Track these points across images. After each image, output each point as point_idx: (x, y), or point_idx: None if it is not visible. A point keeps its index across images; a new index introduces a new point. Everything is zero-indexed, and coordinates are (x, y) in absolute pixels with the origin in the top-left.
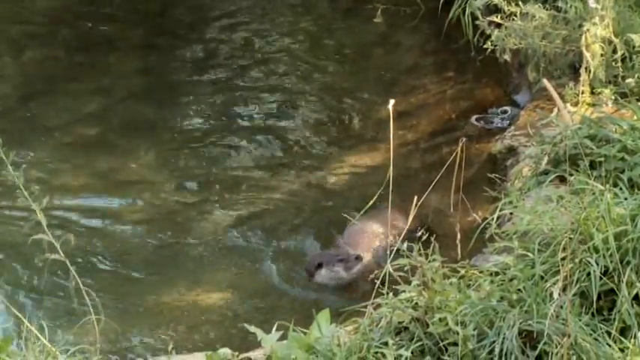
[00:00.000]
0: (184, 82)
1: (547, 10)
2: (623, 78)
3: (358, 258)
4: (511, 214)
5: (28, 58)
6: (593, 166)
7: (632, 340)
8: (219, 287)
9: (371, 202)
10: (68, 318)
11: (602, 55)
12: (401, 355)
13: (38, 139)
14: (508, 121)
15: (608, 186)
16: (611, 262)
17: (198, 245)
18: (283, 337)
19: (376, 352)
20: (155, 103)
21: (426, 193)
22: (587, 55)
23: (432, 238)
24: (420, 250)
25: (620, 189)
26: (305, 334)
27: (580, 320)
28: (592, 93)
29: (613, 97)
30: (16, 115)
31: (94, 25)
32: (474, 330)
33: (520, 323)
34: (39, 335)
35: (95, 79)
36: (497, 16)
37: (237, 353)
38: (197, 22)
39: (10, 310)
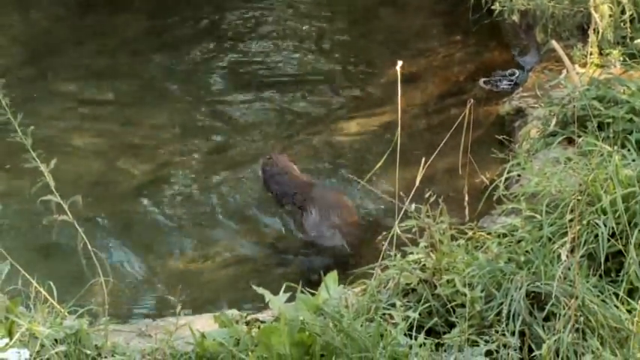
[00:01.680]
0: (192, 41)
1: None
2: (632, 39)
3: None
4: (519, 175)
5: (35, 19)
6: (601, 127)
7: None
8: (227, 250)
9: (378, 164)
10: (76, 279)
11: (610, 16)
12: (409, 317)
13: (46, 100)
14: (516, 83)
15: (616, 147)
16: (619, 223)
17: (207, 208)
18: (291, 299)
19: (384, 314)
20: (163, 63)
21: (434, 155)
22: (595, 16)
23: (440, 200)
24: (427, 211)
25: (629, 150)
26: (313, 295)
27: (588, 282)
28: (600, 54)
29: (621, 59)
30: (24, 75)
31: (101, 16)
32: (482, 292)
33: (528, 285)
34: (47, 296)
35: (102, 40)
36: None
37: (245, 314)
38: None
39: (19, 270)
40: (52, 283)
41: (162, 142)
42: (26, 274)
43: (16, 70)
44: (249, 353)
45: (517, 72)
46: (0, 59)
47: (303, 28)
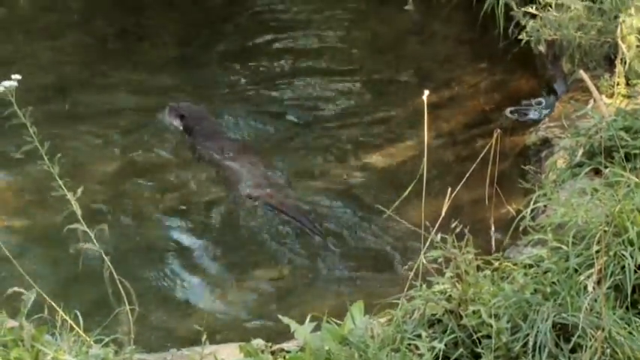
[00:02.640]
0: (219, 72)
1: (582, 1)
2: None
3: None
4: (545, 206)
5: (63, 46)
6: (628, 158)
7: None
8: (252, 278)
9: (404, 194)
10: (103, 308)
11: (637, 46)
12: (434, 347)
13: (73, 129)
14: (542, 113)
15: None
16: None
17: (230, 235)
18: (317, 329)
19: (409, 344)
20: (189, 92)
21: (460, 185)
22: (622, 46)
23: (466, 230)
24: (453, 242)
25: None
26: (339, 325)
27: (614, 314)
28: (627, 85)
29: None
30: (51, 104)
31: (129, 14)
32: (508, 323)
33: (554, 316)
34: (73, 325)
35: (130, 69)
36: (532, 7)
37: (270, 344)
38: (231, 12)
39: (45, 299)
40: (78, 312)
41: (187, 170)
42: (52, 303)
43: (42, 98)
44: None
45: (544, 101)
46: (26, 87)
47: (328, 56)
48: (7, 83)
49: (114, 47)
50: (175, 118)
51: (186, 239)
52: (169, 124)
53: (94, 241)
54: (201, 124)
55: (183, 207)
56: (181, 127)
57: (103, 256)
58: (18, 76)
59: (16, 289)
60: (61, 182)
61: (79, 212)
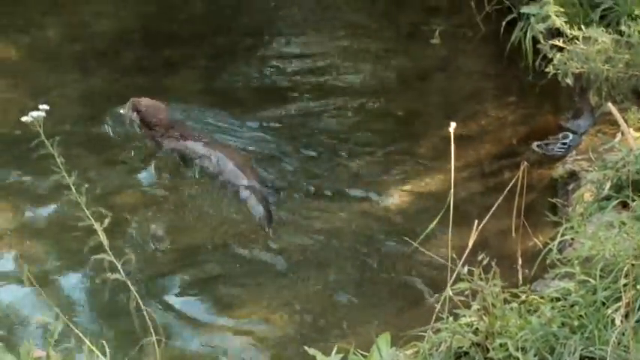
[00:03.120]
0: (246, 104)
1: (610, 34)
2: None
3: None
4: (572, 239)
5: (90, 79)
6: None
7: None
8: (276, 307)
9: (431, 226)
10: (129, 338)
11: None
12: None
13: (100, 160)
14: (569, 146)
15: None
16: None
17: (253, 265)
18: None
19: None
20: (217, 124)
21: (487, 217)
22: None
23: (493, 263)
24: (480, 274)
25: None
26: (365, 357)
27: None
28: None
29: None
30: (78, 135)
31: (156, 46)
32: (535, 356)
33: (581, 350)
34: (100, 355)
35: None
36: (559, 40)
37: None
38: (257, 43)
39: (72, 329)
40: (104, 342)
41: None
42: (79, 333)
43: (70, 129)
44: None
45: (570, 135)
46: (54, 118)
47: (355, 89)
48: (34, 114)
49: (141, 77)
50: (133, 112)
51: (214, 268)
52: (128, 118)
53: (121, 270)
54: (159, 117)
55: (208, 238)
56: (138, 121)
57: (130, 286)
58: (46, 107)
59: (43, 318)
60: (88, 212)
61: (105, 242)
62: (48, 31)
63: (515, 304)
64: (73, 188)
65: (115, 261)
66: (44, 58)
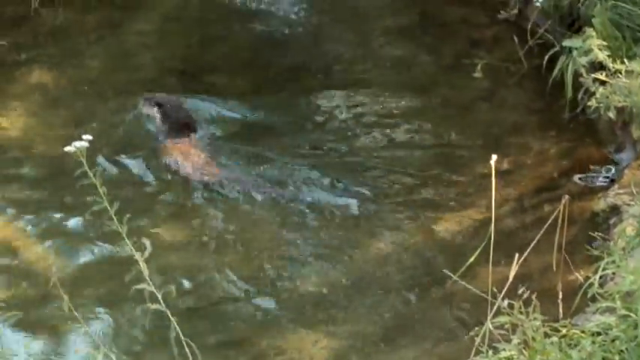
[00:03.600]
0: (286, 133)
1: None
2: None
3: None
4: (614, 273)
5: (132, 109)
6: None
7: None
8: (315, 340)
9: (472, 259)
10: None
11: None
12: None
13: (141, 191)
14: (612, 180)
15: None
16: None
17: (292, 298)
18: None
19: None
20: (259, 155)
21: (528, 251)
22: None
23: (533, 297)
24: (520, 308)
25: None
26: None
27: None
28: None
29: None
30: (121, 165)
31: (196, 77)
32: None
33: None
34: None
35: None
36: (601, 74)
37: None
38: (298, 76)
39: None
40: None
41: (253, 231)
42: None
43: (113, 158)
44: None
45: (613, 169)
46: (96, 147)
47: (397, 120)
48: (77, 143)
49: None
50: (151, 108)
51: (253, 301)
52: (146, 115)
53: (161, 301)
54: (179, 113)
55: (246, 270)
56: (159, 116)
57: (170, 316)
58: (89, 137)
59: (84, 348)
60: (129, 242)
61: (146, 272)
62: (92, 61)
63: (555, 339)
64: (114, 218)
65: (155, 291)
66: (87, 87)
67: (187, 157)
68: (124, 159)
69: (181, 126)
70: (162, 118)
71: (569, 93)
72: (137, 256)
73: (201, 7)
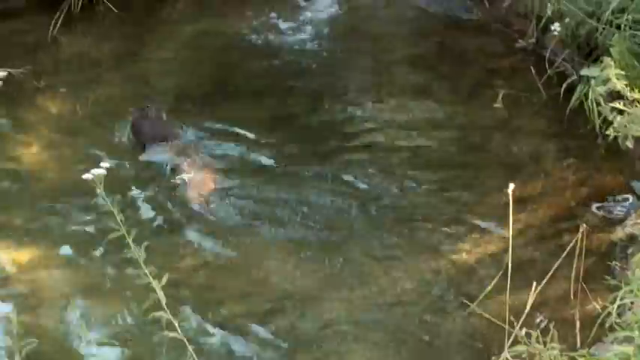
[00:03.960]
0: (304, 163)
1: None
2: None
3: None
4: (632, 303)
5: None
6: None
7: None
8: None
9: (489, 288)
10: None
11: None
12: None
13: (159, 219)
14: (630, 209)
15: None
16: None
17: (318, 330)
18: None
19: None
20: (283, 188)
21: (545, 280)
22: None
23: (551, 326)
24: (538, 337)
25: None
26: None
27: None
28: None
29: None
30: (137, 192)
31: (215, 104)
32: None
33: None
34: None
35: (217, 159)
36: (620, 103)
37: None
38: (315, 105)
39: None
40: None
41: (276, 260)
42: None
43: (129, 186)
44: None
45: (631, 198)
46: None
47: (415, 150)
48: (95, 171)
49: (205, 131)
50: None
51: (274, 330)
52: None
53: (178, 329)
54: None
55: (259, 301)
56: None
57: (187, 344)
58: (107, 164)
59: None
60: (146, 270)
61: (163, 300)
62: (110, 88)
63: None
64: (132, 245)
65: (172, 319)
66: (106, 114)
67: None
68: (142, 186)
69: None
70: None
71: (588, 123)
72: (154, 283)
73: (219, 36)
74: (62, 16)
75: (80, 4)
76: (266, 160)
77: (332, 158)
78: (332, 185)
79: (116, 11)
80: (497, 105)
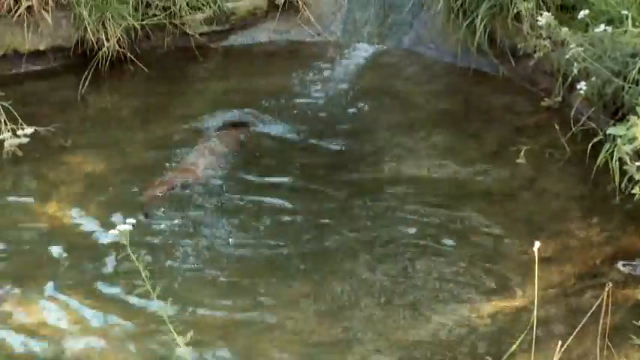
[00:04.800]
0: (330, 222)
1: None
2: None
3: None
4: None
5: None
6: None
7: None
8: None
9: (514, 347)
10: None
11: None
12: None
13: (184, 275)
14: None
15: None
16: None
17: None
18: None
19: None
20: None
21: (570, 338)
22: None
23: None
24: None
25: None
26: None
27: None
28: None
29: None
30: (162, 249)
31: (240, 161)
32: None
33: None
34: None
35: (240, 214)
36: None
37: None
38: (341, 162)
39: None
40: None
41: (293, 329)
42: None
43: (153, 243)
44: None
45: None
46: (140, 231)
47: (437, 206)
48: (121, 227)
49: (226, 191)
50: None
51: None
52: None
53: None
54: None
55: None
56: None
57: None
58: (132, 220)
59: None
60: (171, 326)
61: (188, 357)
62: (136, 147)
63: None
64: (156, 300)
65: None
66: (131, 172)
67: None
68: (163, 243)
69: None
70: None
71: (614, 181)
72: (179, 339)
73: (246, 93)
74: (90, 74)
75: (108, 63)
76: (285, 218)
77: (357, 215)
78: (353, 243)
79: (146, 70)
80: (521, 161)
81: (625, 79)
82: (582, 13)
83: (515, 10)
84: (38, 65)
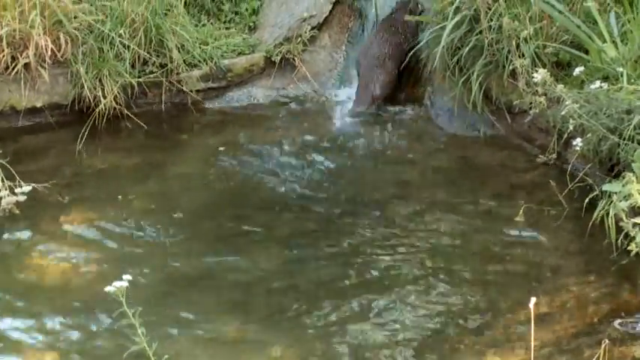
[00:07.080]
0: (327, 279)
1: None
2: None
3: None
4: None
5: (172, 246)
6: None
7: None
8: None
9: None
10: None
11: None
12: None
13: (179, 332)
14: None
15: None
16: None
17: None
18: None
19: None
20: (298, 298)
21: None
22: None
23: None
24: None
25: None
26: None
27: None
28: None
29: None
30: (157, 307)
31: (238, 219)
32: None
33: None
34: None
35: (236, 273)
36: None
37: None
38: (341, 219)
39: None
40: None
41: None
42: None
43: (149, 302)
44: None
45: None
46: (136, 286)
47: (432, 262)
48: (117, 283)
49: (223, 247)
50: None
51: None
52: None
53: None
54: None
55: None
56: None
57: None
58: (128, 277)
59: None
60: None
61: None
62: (131, 203)
63: None
64: (152, 359)
65: None
66: (125, 228)
67: None
68: (162, 299)
69: None
70: None
71: (610, 238)
72: None
73: (244, 149)
74: (87, 131)
75: (105, 119)
76: (278, 284)
77: (357, 271)
78: (349, 308)
79: (145, 127)
80: (519, 219)
81: (620, 135)
82: (578, 70)
83: (510, 67)
84: (35, 121)
